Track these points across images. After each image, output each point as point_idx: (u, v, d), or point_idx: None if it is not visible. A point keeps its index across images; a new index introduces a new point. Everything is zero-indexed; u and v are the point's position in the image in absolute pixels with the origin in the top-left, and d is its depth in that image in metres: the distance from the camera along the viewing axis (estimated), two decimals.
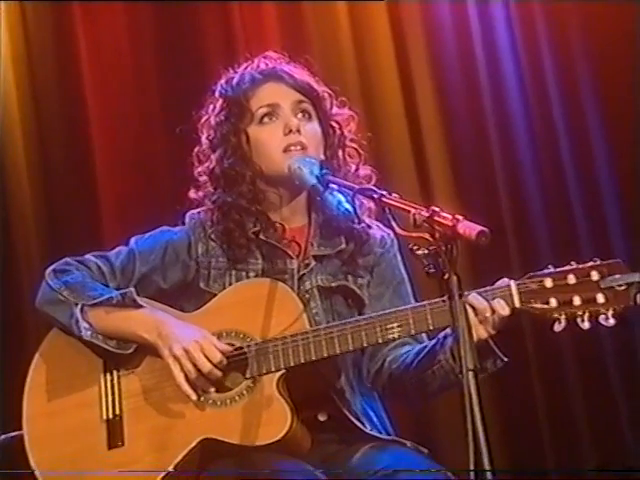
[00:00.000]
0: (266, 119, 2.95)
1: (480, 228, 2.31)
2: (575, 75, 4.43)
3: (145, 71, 4.52)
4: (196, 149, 3.05)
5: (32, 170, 4.28)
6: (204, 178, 3.02)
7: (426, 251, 2.35)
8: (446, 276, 2.32)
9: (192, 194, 3.05)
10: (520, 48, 4.45)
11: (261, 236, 2.97)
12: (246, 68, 3.04)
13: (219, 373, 2.77)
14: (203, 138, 3.04)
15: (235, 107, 2.97)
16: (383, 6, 4.47)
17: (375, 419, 2.95)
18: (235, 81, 3.00)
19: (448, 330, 2.70)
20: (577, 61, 4.43)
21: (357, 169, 3.01)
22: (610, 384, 4.27)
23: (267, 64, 3.03)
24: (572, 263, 2.65)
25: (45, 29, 4.48)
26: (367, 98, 4.41)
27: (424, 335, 2.88)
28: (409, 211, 2.42)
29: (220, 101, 3.01)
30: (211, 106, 3.04)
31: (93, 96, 4.41)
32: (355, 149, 3.04)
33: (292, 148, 2.91)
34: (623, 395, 4.26)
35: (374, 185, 2.90)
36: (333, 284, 2.98)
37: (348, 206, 2.87)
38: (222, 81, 3.03)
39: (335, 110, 3.03)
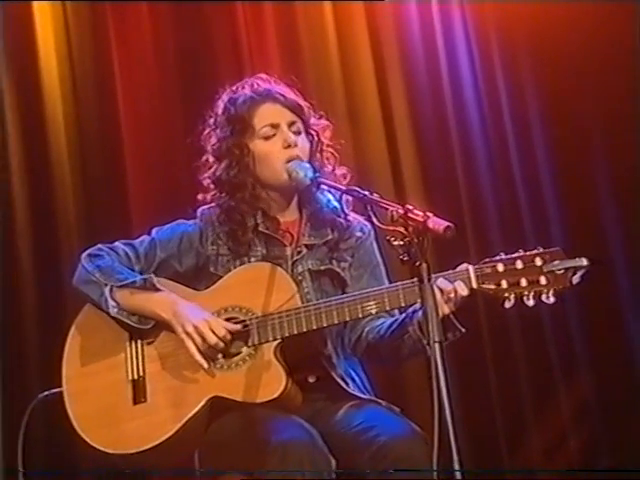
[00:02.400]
0: (269, 135, 2.91)
1: (447, 224, 2.34)
2: (522, 91, 4.40)
3: (166, 73, 4.36)
4: (203, 158, 3.01)
5: (73, 167, 4.16)
6: (209, 182, 2.98)
7: (401, 242, 2.35)
8: (418, 263, 2.32)
9: (200, 197, 3.02)
10: (478, 71, 4.44)
11: (260, 228, 2.93)
12: (243, 88, 2.99)
13: (224, 344, 2.74)
14: (208, 148, 2.99)
15: (238, 124, 2.92)
16: (364, 23, 4.42)
17: (357, 379, 2.92)
18: (237, 101, 2.95)
19: (416, 306, 2.68)
20: (524, 75, 4.41)
21: (334, 169, 2.97)
22: (547, 350, 4.24)
23: (259, 85, 2.99)
24: (520, 251, 2.63)
25: (83, 29, 4.29)
26: (351, 112, 4.36)
27: (396, 309, 2.84)
28: (387, 208, 2.42)
29: (224, 118, 2.96)
30: (211, 120, 3.00)
31: (123, 96, 4.26)
32: (331, 153, 3.00)
33: (291, 160, 2.88)
34: (558, 357, 4.24)
35: (349, 181, 2.93)
36: (321, 267, 2.94)
37: (336, 204, 2.87)
38: (225, 100, 2.98)
39: (313, 120, 2.99)
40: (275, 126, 2.91)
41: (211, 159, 2.98)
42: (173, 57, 4.36)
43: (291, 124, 2.93)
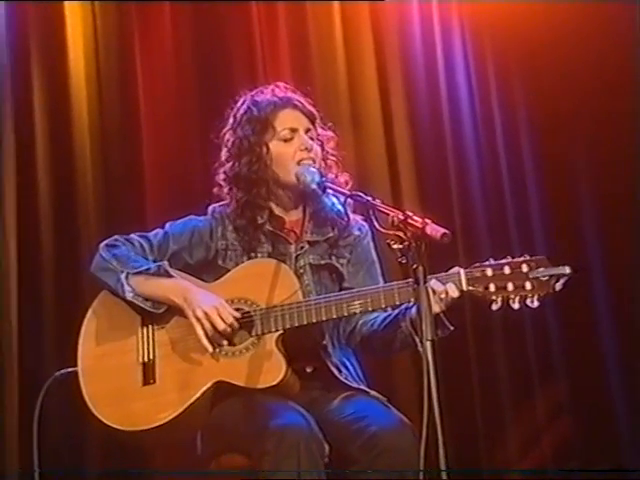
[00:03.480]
0: (287, 138, 2.90)
1: (444, 230, 2.35)
2: (514, 110, 4.42)
3: (185, 73, 4.26)
4: (221, 153, 2.98)
5: (95, 162, 4.07)
6: (224, 177, 2.95)
7: (400, 246, 2.35)
8: (415, 266, 2.31)
9: (216, 190, 2.99)
10: (474, 88, 4.45)
11: (267, 226, 2.91)
12: (264, 93, 2.97)
13: (230, 331, 2.71)
14: (228, 145, 2.96)
15: (260, 124, 2.90)
16: (370, 37, 4.39)
17: (350, 368, 2.90)
18: (260, 103, 2.93)
19: (409, 304, 2.67)
20: (516, 95, 4.44)
21: (337, 176, 2.95)
22: (526, 350, 4.23)
23: (279, 91, 2.97)
24: (508, 257, 2.61)
25: (110, 30, 4.19)
26: (354, 120, 4.32)
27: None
28: (388, 214, 2.41)
29: (246, 118, 2.93)
30: (231, 120, 2.98)
31: (144, 96, 4.17)
32: (334, 161, 2.99)
33: (305, 162, 2.88)
34: (535, 358, 4.24)
35: (352, 187, 2.91)
36: (321, 262, 2.92)
37: (340, 207, 2.86)
38: (247, 102, 2.96)
39: (320, 131, 2.98)
40: (294, 130, 2.91)
41: (228, 156, 2.95)
42: (191, 57, 4.28)
43: (307, 130, 2.93)
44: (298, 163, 2.86)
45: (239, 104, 2.98)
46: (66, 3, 4.14)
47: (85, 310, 2.89)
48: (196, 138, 4.11)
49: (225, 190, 2.96)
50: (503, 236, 4.27)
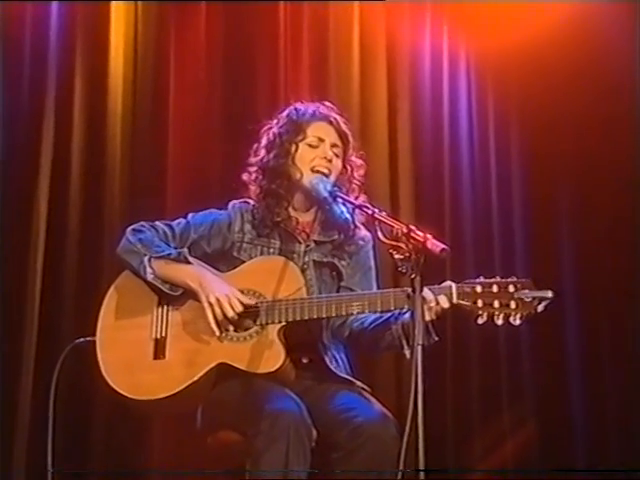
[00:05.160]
0: (313, 144, 2.94)
1: (443, 246, 2.35)
2: (509, 152, 4.46)
3: (214, 72, 4.23)
4: (255, 146, 3.03)
5: (123, 156, 4.06)
6: (255, 167, 3.00)
7: (401, 256, 2.36)
8: (413, 276, 2.33)
9: (244, 177, 3.03)
10: (474, 119, 4.48)
11: (282, 225, 2.94)
12: (308, 106, 3.02)
13: (238, 318, 2.73)
14: (264, 139, 3.01)
15: (295, 126, 2.96)
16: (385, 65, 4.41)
17: (340, 362, 2.91)
18: (300, 111, 2.99)
19: (402, 310, 2.69)
20: (512, 136, 4.47)
21: (357, 197, 2.96)
22: (500, 361, 4.26)
23: (322, 108, 3.01)
24: (497, 277, 2.62)
25: (149, 30, 4.16)
26: (363, 140, 4.26)
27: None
28: (393, 226, 2.42)
29: (286, 120, 2.99)
30: (275, 120, 3.03)
31: (174, 97, 4.15)
32: (358, 186, 3.02)
33: (321, 170, 2.91)
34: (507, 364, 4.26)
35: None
36: (324, 259, 2.95)
37: (348, 216, 2.87)
38: (291, 109, 3.02)
39: (352, 158, 3.02)
40: (321, 140, 2.94)
41: (262, 149, 3.00)
42: (221, 57, 4.24)
43: (333, 145, 2.96)
44: (313, 169, 2.90)
45: (284, 111, 3.03)
46: (113, 3, 4.13)
47: (105, 288, 2.90)
48: (220, 136, 4.11)
49: (252, 177, 2.99)
50: (487, 255, 4.30)
